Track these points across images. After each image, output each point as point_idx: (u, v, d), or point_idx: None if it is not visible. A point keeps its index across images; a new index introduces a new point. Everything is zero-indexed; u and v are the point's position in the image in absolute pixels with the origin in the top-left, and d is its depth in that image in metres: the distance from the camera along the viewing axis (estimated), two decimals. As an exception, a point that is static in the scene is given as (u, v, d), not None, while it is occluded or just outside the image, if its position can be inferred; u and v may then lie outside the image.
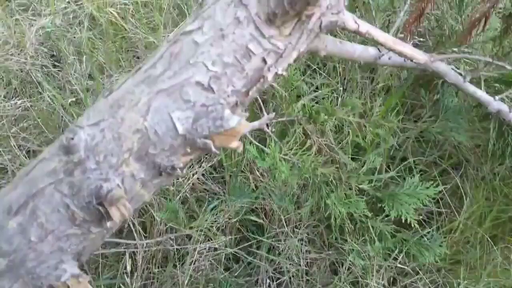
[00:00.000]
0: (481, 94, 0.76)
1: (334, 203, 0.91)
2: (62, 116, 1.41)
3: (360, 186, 0.95)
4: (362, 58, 0.76)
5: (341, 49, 0.71)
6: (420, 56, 0.66)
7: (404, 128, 1.24)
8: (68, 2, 1.75)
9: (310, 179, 0.95)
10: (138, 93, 0.54)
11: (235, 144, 0.56)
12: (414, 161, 1.22)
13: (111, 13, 1.63)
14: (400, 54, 0.65)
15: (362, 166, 1.12)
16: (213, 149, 0.55)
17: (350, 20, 0.61)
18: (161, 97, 0.54)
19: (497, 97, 0.76)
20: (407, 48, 0.65)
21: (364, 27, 0.62)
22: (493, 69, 0.75)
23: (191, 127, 0.54)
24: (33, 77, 1.55)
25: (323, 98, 1.06)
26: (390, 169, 1.26)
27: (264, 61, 0.55)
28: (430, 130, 1.01)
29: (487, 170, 1.20)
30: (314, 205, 1.13)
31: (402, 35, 0.84)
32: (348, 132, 1.15)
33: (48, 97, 1.43)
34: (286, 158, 0.97)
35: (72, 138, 0.53)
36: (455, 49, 0.88)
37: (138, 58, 1.63)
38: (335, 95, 1.22)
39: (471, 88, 0.75)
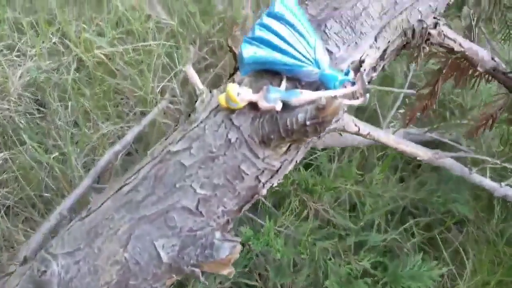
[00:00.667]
0: (487, 183, 0.72)
1: (333, 284, 0.86)
2: (44, 169, 1.35)
3: (361, 263, 0.90)
4: (363, 144, 0.71)
5: (340, 140, 0.66)
6: (424, 154, 0.62)
7: (402, 177, 1.19)
8: (54, 43, 1.69)
9: (307, 254, 0.90)
10: (117, 220, 0.48)
11: (226, 271, 0.51)
12: (415, 222, 1.17)
13: (99, 55, 1.58)
14: (403, 152, 0.61)
15: (361, 229, 1.07)
16: (202, 278, 0.50)
17: (350, 123, 0.56)
18: (144, 224, 0.48)
19: (503, 184, 0.72)
20: (410, 147, 0.60)
21: (365, 129, 0.57)
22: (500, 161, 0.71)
23: (177, 255, 0.49)
24: (15, 125, 1.48)
25: (318, 165, 1.01)
26: (389, 226, 1.22)
27: (258, 179, 0.50)
28: (433, 201, 0.97)
29: (490, 230, 1.16)
30: (312, 272, 1.07)
31: (402, 111, 0.80)
32: (345, 189, 1.11)
33: (30, 149, 1.37)
34: (281, 230, 0.92)
35: (45, 271, 0.48)
36: (458, 121, 0.84)
37: (126, 102, 1.57)
38: (332, 154, 1.18)
39: (477, 179, 0.71)
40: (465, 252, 1.19)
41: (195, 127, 0.49)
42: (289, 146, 0.49)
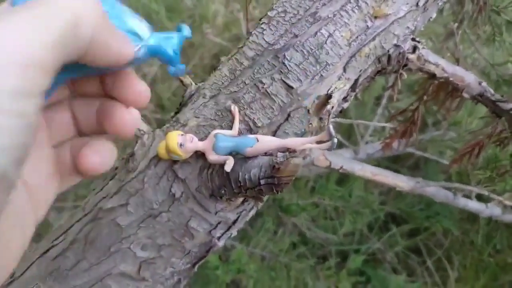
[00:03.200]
0: (472, 205, 0.66)
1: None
2: None
3: (340, 285, 0.85)
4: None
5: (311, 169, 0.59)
6: (404, 184, 0.55)
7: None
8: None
9: (284, 280, 0.84)
10: (43, 292, 0.41)
11: None
12: (398, 228, 1.12)
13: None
14: (382, 184, 0.54)
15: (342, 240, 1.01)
16: None
17: (320, 158, 0.49)
18: (75, 296, 0.41)
19: (489, 205, 0.67)
20: (390, 178, 0.54)
21: (337, 162, 0.50)
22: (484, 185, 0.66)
23: (118, 328, 0.42)
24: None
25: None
26: (372, 232, 1.17)
27: (211, 234, 0.43)
28: (417, 215, 0.91)
29: (475, 237, 1.12)
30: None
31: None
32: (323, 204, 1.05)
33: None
34: (256, 252, 0.86)
35: None
36: (439, 132, 0.78)
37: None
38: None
39: (462, 202, 0.65)
40: (449, 259, 1.15)
41: (133, 179, 0.41)
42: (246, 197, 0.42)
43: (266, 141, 0.36)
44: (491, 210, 0.69)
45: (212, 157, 0.37)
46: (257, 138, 0.37)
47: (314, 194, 0.91)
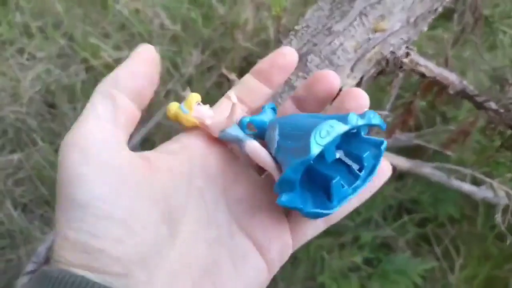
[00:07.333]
0: (466, 187, 0.77)
1: (327, 279, 0.93)
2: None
3: (353, 259, 0.97)
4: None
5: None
6: (403, 164, 0.67)
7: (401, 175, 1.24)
8: (62, 47, 1.76)
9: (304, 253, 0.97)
10: None
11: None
12: (409, 218, 1.23)
13: (106, 58, 1.64)
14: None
15: (358, 226, 1.13)
16: None
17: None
18: None
19: (481, 187, 0.78)
20: (390, 158, 0.66)
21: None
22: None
23: None
24: (27, 126, 1.56)
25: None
26: (386, 222, 1.28)
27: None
28: (423, 201, 1.02)
29: (479, 226, 1.21)
30: (310, 267, 1.14)
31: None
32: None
33: (43, 148, 1.45)
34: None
35: None
36: (442, 127, 0.89)
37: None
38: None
39: (456, 184, 0.76)
40: (456, 247, 1.25)
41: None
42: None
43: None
44: (484, 192, 0.79)
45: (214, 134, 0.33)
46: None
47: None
